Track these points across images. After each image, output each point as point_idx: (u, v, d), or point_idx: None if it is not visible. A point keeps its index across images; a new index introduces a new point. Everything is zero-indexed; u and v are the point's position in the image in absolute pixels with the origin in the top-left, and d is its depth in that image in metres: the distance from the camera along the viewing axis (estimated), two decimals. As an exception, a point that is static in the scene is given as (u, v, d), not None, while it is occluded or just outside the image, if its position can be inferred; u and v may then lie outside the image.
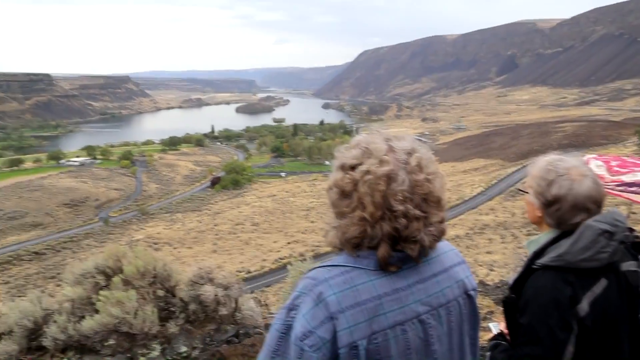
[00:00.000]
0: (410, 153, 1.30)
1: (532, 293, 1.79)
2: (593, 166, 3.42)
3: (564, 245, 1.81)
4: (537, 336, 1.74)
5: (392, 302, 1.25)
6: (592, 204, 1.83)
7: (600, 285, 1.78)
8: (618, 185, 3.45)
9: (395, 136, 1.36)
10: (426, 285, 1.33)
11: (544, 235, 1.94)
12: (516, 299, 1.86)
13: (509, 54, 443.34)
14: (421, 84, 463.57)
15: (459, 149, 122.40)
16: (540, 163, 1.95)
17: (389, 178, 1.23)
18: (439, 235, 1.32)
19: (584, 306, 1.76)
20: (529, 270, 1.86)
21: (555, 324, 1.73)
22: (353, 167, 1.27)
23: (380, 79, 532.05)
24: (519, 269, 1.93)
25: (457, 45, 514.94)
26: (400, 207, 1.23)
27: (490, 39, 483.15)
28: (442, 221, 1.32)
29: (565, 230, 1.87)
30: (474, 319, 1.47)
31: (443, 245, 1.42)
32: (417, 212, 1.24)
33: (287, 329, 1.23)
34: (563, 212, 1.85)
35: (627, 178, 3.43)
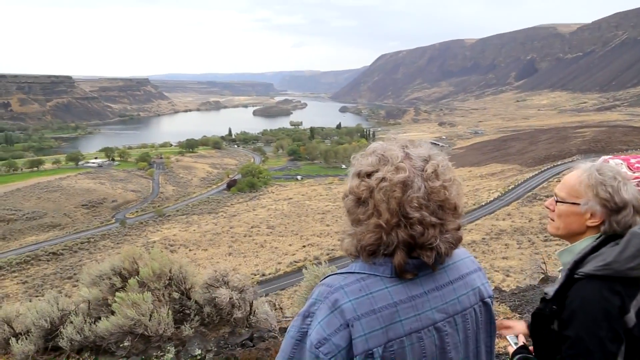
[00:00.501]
0: (426, 160, 1.30)
1: (579, 304, 1.73)
2: (612, 164, 3.44)
3: (610, 253, 1.76)
4: (587, 349, 1.68)
5: (408, 309, 1.26)
6: None
7: None
8: None
9: (412, 143, 1.36)
10: (442, 293, 1.33)
11: (580, 244, 1.90)
12: (558, 310, 1.80)
13: (529, 58, 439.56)
14: (439, 88, 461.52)
15: (476, 153, 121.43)
16: (587, 170, 1.89)
17: (405, 185, 1.24)
18: (456, 242, 1.32)
19: (631, 316, 1.72)
20: (570, 280, 1.81)
21: (606, 335, 1.67)
22: (369, 175, 1.27)
23: (398, 82, 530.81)
24: (559, 279, 1.87)
25: (476, 50, 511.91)
26: (416, 214, 1.23)
27: (509, 43, 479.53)
28: (458, 228, 1.33)
29: (606, 237, 1.84)
30: (491, 327, 1.47)
31: (459, 252, 1.43)
32: (433, 219, 1.25)
33: (303, 336, 1.23)
34: (630, 217, 1.81)
35: None
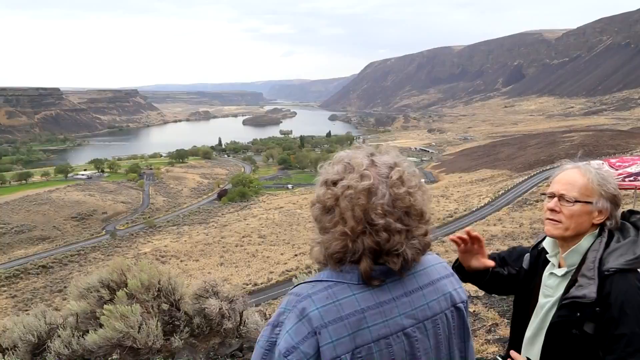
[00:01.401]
0: (392, 167, 1.30)
1: (624, 299, 1.72)
2: (595, 164, 3.64)
3: (634, 246, 1.81)
4: None
5: (375, 315, 1.25)
6: None
7: None
8: (626, 177, 3.62)
9: (379, 150, 1.36)
10: (411, 299, 1.33)
11: (584, 242, 1.92)
12: (601, 311, 1.76)
13: (516, 64, 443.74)
14: (428, 95, 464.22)
15: (465, 159, 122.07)
16: (589, 170, 1.94)
17: (370, 192, 1.24)
18: (423, 248, 1.33)
19: None
20: (602, 278, 1.79)
21: None
22: (335, 183, 1.28)
23: (387, 90, 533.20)
24: (589, 282, 1.82)
25: (464, 56, 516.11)
26: (380, 221, 1.23)
27: (496, 50, 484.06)
28: (425, 234, 1.33)
29: (609, 231, 1.90)
30: (464, 332, 1.46)
31: (430, 259, 1.43)
32: (399, 226, 1.25)
33: (272, 345, 1.23)
34: (620, 211, 1.92)
35: (632, 169, 3.64)
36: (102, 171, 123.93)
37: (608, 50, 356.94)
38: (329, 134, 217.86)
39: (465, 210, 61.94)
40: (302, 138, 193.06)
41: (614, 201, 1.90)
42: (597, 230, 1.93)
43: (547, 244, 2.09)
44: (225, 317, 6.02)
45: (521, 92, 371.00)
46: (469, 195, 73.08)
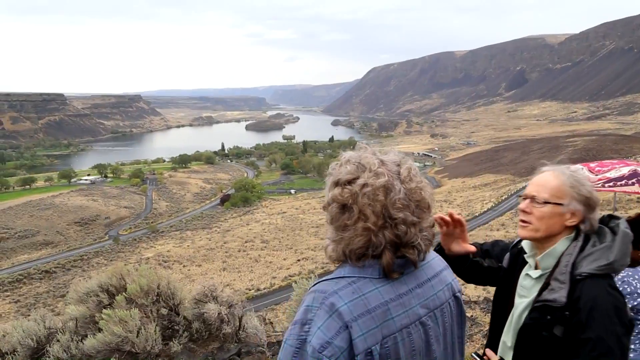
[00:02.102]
0: (399, 164, 1.38)
1: (593, 305, 1.75)
2: (572, 167, 3.68)
3: (608, 253, 1.83)
4: (609, 347, 1.70)
5: (397, 307, 1.32)
6: None
7: None
8: (606, 182, 3.62)
9: (380, 151, 1.44)
10: (423, 290, 1.41)
11: (559, 246, 1.93)
12: (570, 315, 1.79)
13: (518, 69, 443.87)
14: (431, 100, 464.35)
15: (469, 164, 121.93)
16: (563, 172, 1.97)
17: (387, 188, 1.32)
18: (432, 238, 1.42)
19: (627, 309, 1.81)
20: (573, 282, 1.82)
21: (620, 331, 1.73)
22: (350, 182, 1.34)
23: (390, 95, 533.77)
24: (560, 286, 1.85)
25: (466, 61, 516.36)
26: (400, 215, 1.31)
27: (499, 55, 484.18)
28: (432, 225, 1.42)
29: (585, 237, 1.91)
30: (461, 319, 1.56)
31: (431, 252, 1.51)
32: (414, 219, 1.34)
33: (302, 343, 1.25)
34: (597, 215, 1.93)
35: (612, 174, 3.63)
36: (106, 176, 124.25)
37: (611, 55, 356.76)
38: (331, 139, 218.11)
39: (468, 215, 61.81)
40: (305, 143, 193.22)
41: (588, 204, 1.90)
42: (574, 234, 1.93)
43: (525, 243, 2.09)
44: (224, 321, 6.02)
45: (524, 97, 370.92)
46: (472, 200, 72.96)
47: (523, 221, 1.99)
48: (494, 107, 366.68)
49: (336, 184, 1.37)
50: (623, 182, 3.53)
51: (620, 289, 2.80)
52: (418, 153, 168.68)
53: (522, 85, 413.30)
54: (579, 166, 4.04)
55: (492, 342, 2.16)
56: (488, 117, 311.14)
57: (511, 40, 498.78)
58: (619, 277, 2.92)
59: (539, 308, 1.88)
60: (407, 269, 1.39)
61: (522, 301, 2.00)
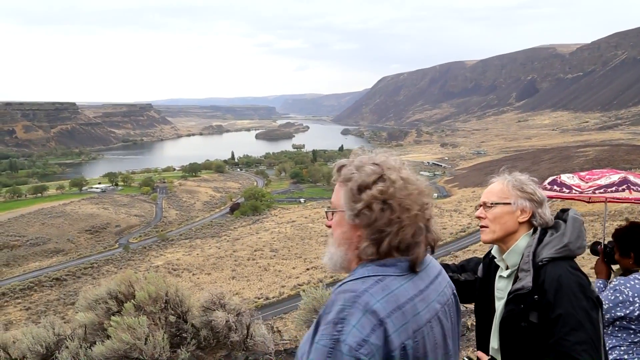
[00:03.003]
0: (395, 160, 1.48)
1: (558, 283, 1.90)
2: (564, 177, 3.88)
3: (561, 237, 2.02)
4: (578, 321, 1.81)
5: (421, 302, 1.36)
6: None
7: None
8: (597, 189, 3.64)
9: (383, 153, 1.52)
10: (434, 285, 1.45)
11: (520, 242, 2.11)
12: (539, 299, 1.92)
13: (529, 79, 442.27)
14: (440, 110, 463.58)
15: (478, 174, 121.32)
16: (507, 177, 2.21)
17: (410, 179, 1.42)
18: (438, 237, 1.47)
19: (593, 286, 1.96)
20: (536, 269, 1.98)
21: (587, 305, 1.85)
22: (378, 180, 1.39)
23: (400, 104, 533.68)
24: (526, 274, 2.02)
25: (477, 71, 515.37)
26: (427, 200, 1.41)
27: (509, 64, 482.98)
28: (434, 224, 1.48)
29: (543, 228, 2.10)
30: (458, 315, 1.60)
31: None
32: (432, 214, 1.44)
33: (335, 342, 1.23)
34: (548, 211, 2.13)
35: (602, 182, 3.66)
36: (116, 184, 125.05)
37: (623, 65, 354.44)
38: (341, 148, 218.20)
39: (478, 225, 61.25)
40: (314, 152, 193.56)
41: (532, 199, 2.11)
42: (532, 231, 2.12)
43: (494, 250, 2.26)
44: (232, 329, 6.02)
45: (535, 107, 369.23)
46: (482, 210, 72.48)
47: (482, 227, 2.21)
48: (505, 116, 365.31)
49: (364, 187, 1.39)
50: (613, 188, 3.58)
51: (612, 297, 2.89)
52: (428, 162, 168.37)
53: (533, 95, 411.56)
54: (570, 175, 4.14)
55: (480, 349, 2.26)
56: (498, 127, 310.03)
57: (522, 50, 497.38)
58: (611, 285, 2.95)
59: (512, 299, 2.03)
60: (421, 266, 1.43)
61: (501, 303, 2.13)
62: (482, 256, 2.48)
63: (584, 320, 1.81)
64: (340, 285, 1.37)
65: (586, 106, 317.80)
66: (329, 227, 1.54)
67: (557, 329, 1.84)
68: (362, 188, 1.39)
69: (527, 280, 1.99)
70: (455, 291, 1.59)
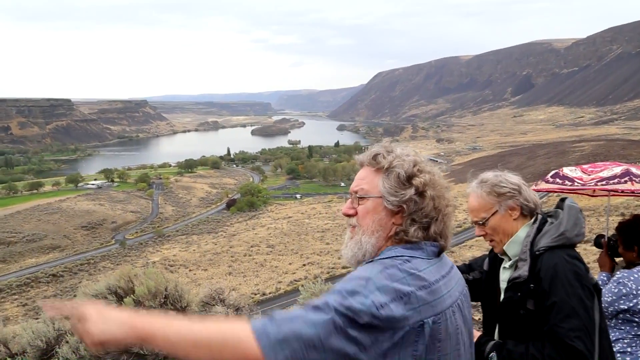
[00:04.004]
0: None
1: (554, 271, 1.93)
2: (567, 170, 3.90)
3: (558, 225, 2.05)
4: (572, 308, 1.84)
5: (444, 286, 1.37)
6: (523, 185, 2.20)
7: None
8: (599, 182, 3.68)
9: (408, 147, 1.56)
10: (452, 275, 1.47)
11: (520, 232, 2.14)
12: (535, 287, 1.96)
13: (525, 74, 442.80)
14: (436, 105, 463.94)
15: (475, 169, 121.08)
16: (477, 186, 2.22)
17: (442, 180, 1.48)
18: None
19: (591, 274, 1.99)
20: (534, 258, 2.02)
21: (582, 293, 1.87)
22: (420, 172, 1.45)
23: (395, 100, 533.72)
24: (523, 263, 2.06)
25: (472, 66, 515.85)
26: (452, 200, 1.48)
27: (505, 59, 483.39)
28: None
29: (543, 217, 2.13)
30: (469, 306, 1.59)
31: None
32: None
33: (356, 294, 1.25)
34: (529, 192, 2.18)
35: (605, 174, 3.69)
36: (112, 181, 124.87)
37: (618, 60, 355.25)
38: (337, 144, 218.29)
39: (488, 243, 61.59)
40: (310, 148, 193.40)
41: (511, 194, 2.13)
42: (532, 220, 2.15)
43: None
44: (232, 324, 6.05)
45: (530, 102, 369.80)
46: (478, 205, 72.74)
47: (490, 242, 2.23)
48: (500, 112, 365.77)
49: (411, 175, 1.44)
50: (615, 180, 3.61)
51: (616, 290, 2.89)
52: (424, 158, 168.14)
53: (529, 90, 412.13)
54: (572, 167, 4.18)
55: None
56: (494, 122, 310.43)
57: (517, 45, 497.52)
58: (614, 278, 2.98)
59: (510, 287, 2.07)
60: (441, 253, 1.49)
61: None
62: (483, 253, 2.52)
63: (578, 307, 1.84)
64: (371, 260, 1.42)
65: (582, 101, 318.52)
66: (350, 215, 1.52)
67: (552, 316, 1.87)
68: (410, 176, 1.43)
69: (524, 270, 2.02)
70: (466, 286, 1.60)
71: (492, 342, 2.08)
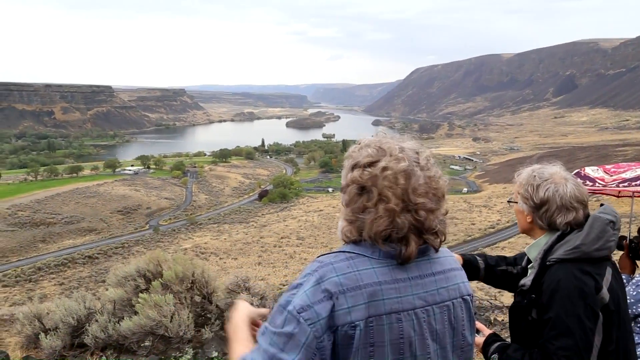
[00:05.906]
0: (417, 152, 1.41)
1: (556, 286, 1.85)
2: (589, 170, 3.84)
3: (576, 238, 1.93)
4: (568, 327, 1.78)
5: (390, 290, 1.31)
6: (577, 203, 1.99)
7: (609, 272, 1.94)
8: (621, 183, 3.60)
9: (400, 137, 1.48)
10: (424, 282, 1.38)
11: (543, 238, 2.05)
12: (537, 298, 1.92)
13: (568, 74, 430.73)
14: (474, 103, 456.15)
15: (511, 170, 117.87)
16: (525, 172, 2.14)
17: (407, 174, 1.33)
18: (445, 226, 1.43)
19: (605, 292, 1.87)
20: (543, 268, 1.95)
21: (583, 312, 1.79)
22: (369, 165, 1.36)
23: (432, 97, 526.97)
24: (533, 270, 2.00)
25: (513, 65, 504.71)
26: (420, 200, 1.33)
27: (547, 59, 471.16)
28: (446, 213, 1.43)
29: (563, 229, 2.01)
30: (470, 323, 1.51)
31: (444, 250, 1.50)
32: (432, 205, 1.35)
33: (288, 303, 1.28)
34: (551, 212, 2.00)
35: (627, 175, 3.61)
36: (148, 167, 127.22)
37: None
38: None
39: (507, 222, 60.61)
40: (344, 142, 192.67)
41: (527, 203, 2.07)
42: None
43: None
44: (255, 312, 6.14)
45: (572, 103, 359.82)
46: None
47: None
48: (540, 112, 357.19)
49: (355, 166, 1.38)
50: (639, 181, 3.52)
51: (634, 293, 2.85)
52: (459, 156, 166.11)
53: (571, 90, 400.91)
54: (594, 167, 4.09)
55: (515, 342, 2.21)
56: (533, 123, 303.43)
57: (561, 44, 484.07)
58: (634, 281, 2.90)
59: (518, 292, 2.04)
60: (421, 257, 1.39)
61: None
62: (509, 254, 2.51)
63: (574, 326, 1.78)
64: (321, 255, 1.41)
65: (627, 104, 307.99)
66: None
67: (546, 331, 1.83)
68: (352, 167, 1.40)
69: (528, 279, 1.99)
70: (466, 297, 1.50)
71: (497, 343, 2.06)
